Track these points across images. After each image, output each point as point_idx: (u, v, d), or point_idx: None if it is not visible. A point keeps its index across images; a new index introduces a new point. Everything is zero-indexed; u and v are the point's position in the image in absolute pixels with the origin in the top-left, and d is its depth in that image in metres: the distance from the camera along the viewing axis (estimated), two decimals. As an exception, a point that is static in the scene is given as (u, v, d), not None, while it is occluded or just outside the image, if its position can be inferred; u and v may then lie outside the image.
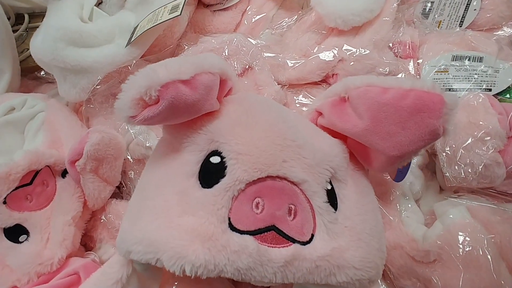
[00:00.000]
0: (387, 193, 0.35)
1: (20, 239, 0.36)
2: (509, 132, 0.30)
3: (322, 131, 0.30)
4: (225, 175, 0.24)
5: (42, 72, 0.53)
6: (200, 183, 0.25)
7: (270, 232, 0.23)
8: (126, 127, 0.43)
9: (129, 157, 0.43)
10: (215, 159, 0.25)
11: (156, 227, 0.23)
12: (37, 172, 0.37)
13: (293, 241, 0.24)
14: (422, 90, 0.24)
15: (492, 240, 0.29)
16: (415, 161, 0.37)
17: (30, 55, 0.56)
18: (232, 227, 0.23)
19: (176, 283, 0.35)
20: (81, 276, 0.35)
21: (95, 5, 0.43)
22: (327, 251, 0.24)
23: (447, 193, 0.36)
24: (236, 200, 0.24)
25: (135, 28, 0.41)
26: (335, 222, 0.25)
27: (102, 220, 0.42)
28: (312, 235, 0.24)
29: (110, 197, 0.43)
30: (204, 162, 0.25)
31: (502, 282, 0.28)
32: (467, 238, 0.30)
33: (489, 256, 0.28)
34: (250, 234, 0.23)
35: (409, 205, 0.35)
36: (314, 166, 0.26)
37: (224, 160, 0.25)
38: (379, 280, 0.35)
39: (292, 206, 0.24)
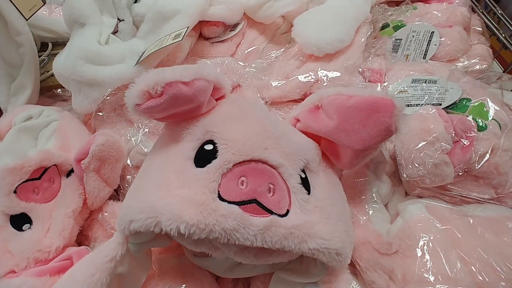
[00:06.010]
0: (357, 195, 0.39)
1: (24, 227, 0.39)
2: (454, 137, 0.35)
3: (299, 131, 0.35)
4: (216, 157, 0.28)
5: (59, 90, 0.59)
6: (195, 165, 0.29)
7: (252, 204, 0.27)
8: (128, 136, 0.48)
9: (129, 163, 0.48)
10: (208, 147, 0.30)
11: (157, 197, 0.27)
12: (46, 169, 0.42)
13: (271, 213, 0.27)
14: (378, 96, 0.30)
15: (445, 230, 0.33)
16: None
17: (50, 76, 0.65)
18: (221, 198, 0.27)
19: (161, 275, 0.37)
20: (74, 260, 0.37)
21: (111, 33, 0.51)
22: (300, 222, 0.27)
23: (411, 197, 0.40)
24: (225, 177, 0.28)
25: (143, 52, 0.49)
26: (308, 201, 0.29)
27: (98, 218, 0.45)
28: (288, 210, 0.28)
29: (108, 199, 0.47)
30: (199, 149, 0.30)
31: (453, 269, 0.30)
32: (423, 229, 0.33)
33: (438, 246, 0.31)
34: (235, 205, 0.27)
35: (376, 206, 0.38)
36: (290, 155, 0.30)
37: (216, 146, 0.29)
38: (351, 276, 0.37)
39: (271, 185, 0.28)
